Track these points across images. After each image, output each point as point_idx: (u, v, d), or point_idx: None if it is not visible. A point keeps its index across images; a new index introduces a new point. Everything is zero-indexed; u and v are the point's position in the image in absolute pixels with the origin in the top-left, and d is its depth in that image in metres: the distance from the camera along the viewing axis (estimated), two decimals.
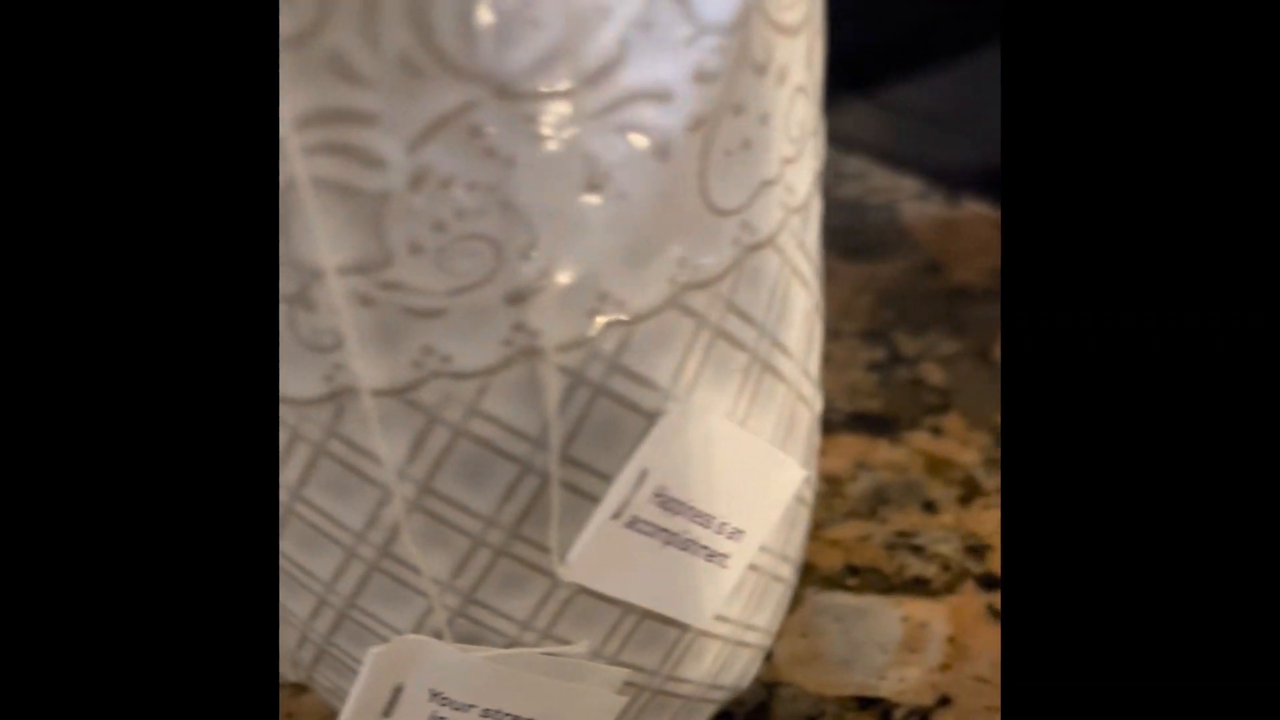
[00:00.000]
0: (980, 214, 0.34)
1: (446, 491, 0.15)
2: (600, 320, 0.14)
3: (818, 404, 0.19)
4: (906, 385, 0.28)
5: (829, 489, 0.25)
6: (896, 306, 0.30)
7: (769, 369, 0.16)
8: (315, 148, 0.12)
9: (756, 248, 0.15)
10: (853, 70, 0.43)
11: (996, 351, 0.28)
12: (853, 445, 0.26)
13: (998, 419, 0.26)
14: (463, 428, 0.14)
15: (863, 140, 0.38)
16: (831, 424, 0.27)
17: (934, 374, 0.28)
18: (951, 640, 0.21)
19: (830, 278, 0.32)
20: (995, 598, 0.22)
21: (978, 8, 0.47)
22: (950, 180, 0.35)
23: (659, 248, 0.14)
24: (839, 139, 0.39)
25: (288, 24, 0.11)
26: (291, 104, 0.11)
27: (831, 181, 0.37)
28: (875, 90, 0.41)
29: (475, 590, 0.16)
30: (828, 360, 0.29)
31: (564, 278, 0.13)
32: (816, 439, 0.19)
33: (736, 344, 0.15)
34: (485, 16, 0.11)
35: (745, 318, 0.15)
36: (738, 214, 0.14)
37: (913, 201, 0.35)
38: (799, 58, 0.14)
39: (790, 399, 0.17)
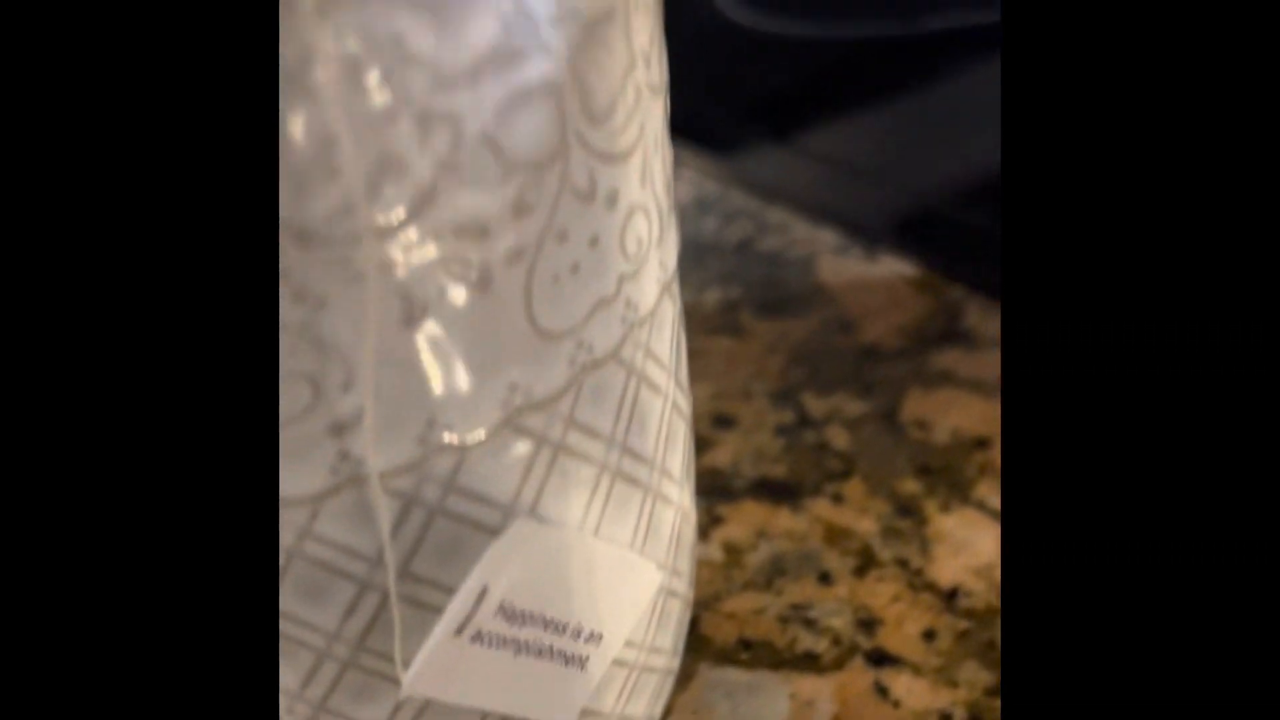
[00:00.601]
0: (896, 270, 0.34)
1: (287, 609, 0.15)
2: (431, 445, 0.14)
3: (685, 499, 0.19)
4: (811, 450, 0.28)
5: (729, 559, 0.25)
6: (808, 365, 0.31)
7: (622, 476, 0.16)
8: None
9: (596, 365, 0.15)
10: (774, 117, 0.43)
11: (903, 413, 0.28)
12: (755, 513, 0.26)
13: (898, 485, 0.26)
14: (296, 549, 0.14)
15: (784, 190, 0.38)
16: (736, 491, 0.27)
17: (839, 437, 0.28)
18: (837, 719, 0.21)
19: (744, 336, 0.32)
20: (883, 674, 0.22)
21: (901, 53, 0.48)
22: (868, 231, 0.35)
23: (488, 374, 0.14)
24: (761, 188, 0.39)
25: None
26: None
27: (753, 234, 0.37)
28: (797, 137, 0.42)
29: (326, 700, 0.16)
30: (736, 424, 0.29)
31: (387, 408, 0.13)
32: (689, 532, 0.19)
33: (582, 458, 0.15)
34: (280, 167, 0.11)
35: (590, 432, 0.15)
36: (571, 335, 0.14)
37: (830, 255, 0.35)
38: (633, 178, 0.15)
39: (649, 502, 0.17)
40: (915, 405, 0.29)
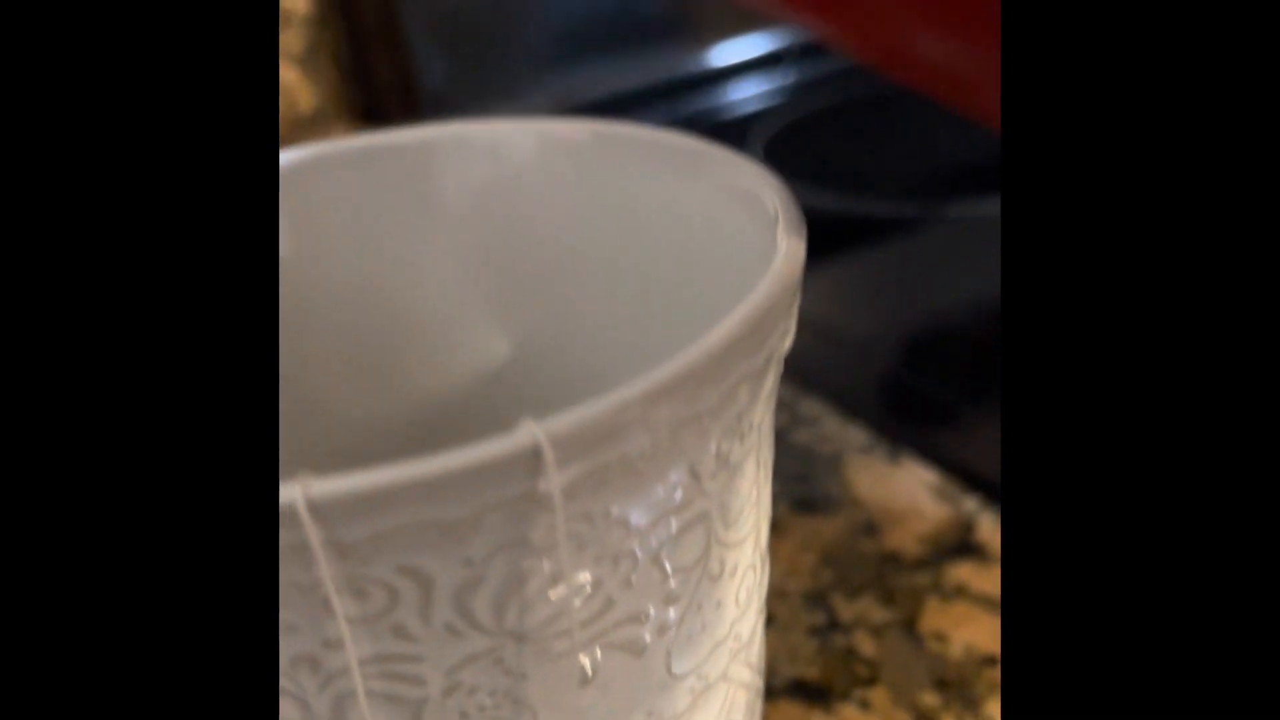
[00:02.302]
0: (916, 475, 0.38)
1: None
2: None
3: None
4: (841, 654, 0.32)
5: None
6: (836, 568, 0.34)
7: None
8: (372, 674, 0.16)
9: (708, 688, 0.19)
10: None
11: (922, 624, 0.32)
12: (791, 713, 0.30)
13: (919, 696, 0.30)
14: None
15: (803, 369, 0.43)
16: (774, 690, 0.31)
17: (865, 643, 0.32)
18: None
19: (781, 532, 0.36)
20: None
21: (917, 233, 0.52)
22: (888, 428, 0.40)
23: (632, 711, 0.18)
24: (792, 370, 0.43)
25: (363, 607, 0.15)
26: (356, 649, 0.15)
27: (788, 425, 0.41)
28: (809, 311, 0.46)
29: None
30: (773, 621, 0.33)
31: None
32: None
33: None
34: (514, 605, 0.15)
35: None
36: (695, 672, 0.18)
37: (857, 454, 0.39)
38: (748, 548, 0.19)
39: None
40: (933, 617, 0.33)
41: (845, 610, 0.33)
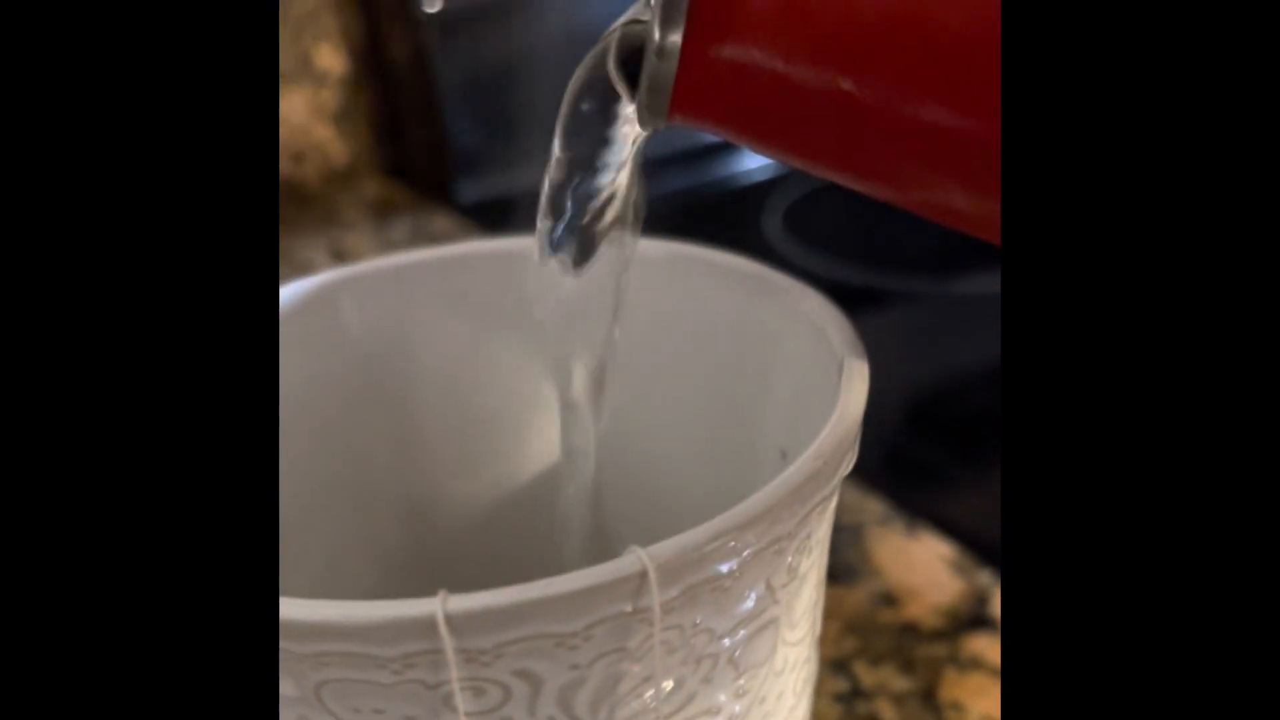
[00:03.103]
0: (933, 547, 0.40)
1: None
2: None
3: None
4: (864, 719, 0.34)
5: None
6: (859, 636, 0.36)
7: None
8: None
9: None
10: None
11: (940, 694, 0.34)
12: None
13: None
14: None
15: None
16: None
17: (887, 710, 0.34)
18: None
19: None
20: None
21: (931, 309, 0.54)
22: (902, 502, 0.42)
23: None
24: None
25: (480, 703, 0.17)
26: None
27: None
28: None
29: None
30: None
31: None
32: None
33: None
34: (608, 702, 0.17)
35: None
36: None
37: (876, 526, 0.41)
38: (804, 649, 0.21)
39: None
40: (951, 687, 0.35)
41: (868, 677, 0.35)
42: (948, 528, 0.42)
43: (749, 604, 0.18)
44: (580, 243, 0.23)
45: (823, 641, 0.36)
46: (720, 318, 0.24)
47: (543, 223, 0.24)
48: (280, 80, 0.69)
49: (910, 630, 0.37)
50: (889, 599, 0.38)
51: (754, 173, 0.71)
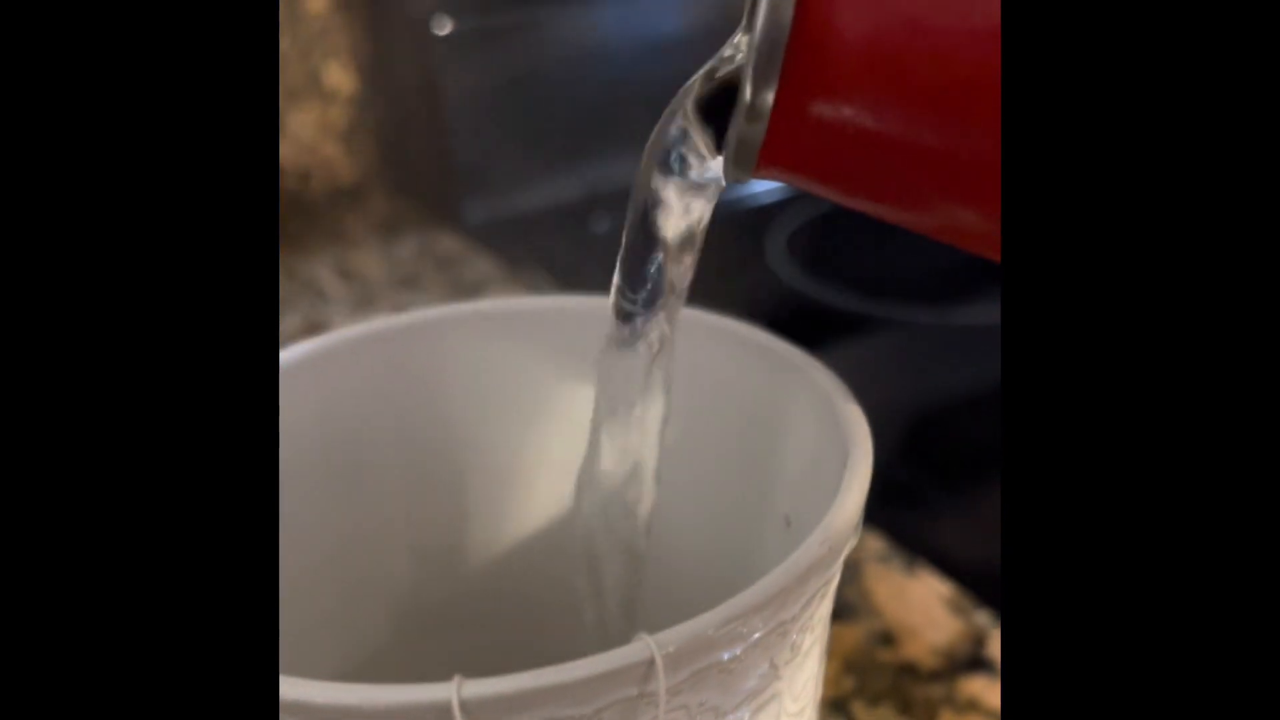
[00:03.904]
0: (932, 586, 0.40)
1: None
2: None
3: None
4: None
5: None
6: (856, 675, 0.37)
7: None
8: None
9: None
10: None
11: None
12: None
13: None
14: None
15: None
16: None
17: None
18: None
19: None
20: None
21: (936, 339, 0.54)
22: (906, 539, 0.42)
23: None
24: None
25: None
26: None
27: None
28: None
29: None
30: None
31: None
32: None
33: None
34: None
35: None
36: None
37: (875, 563, 0.42)
38: (806, 717, 0.21)
39: None
40: None
41: (865, 718, 0.36)
42: (945, 564, 0.42)
43: (752, 682, 0.18)
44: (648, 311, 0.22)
45: (824, 681, 0.36)
46: (731, 386, 0.25)
47: (623, 298, 0.22)
48: (288, 98, 0.70)
49: (908, 670, 0.37)
50: (887, 638, 0.39)
51: (759, 196, 0.72)
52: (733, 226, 0.70)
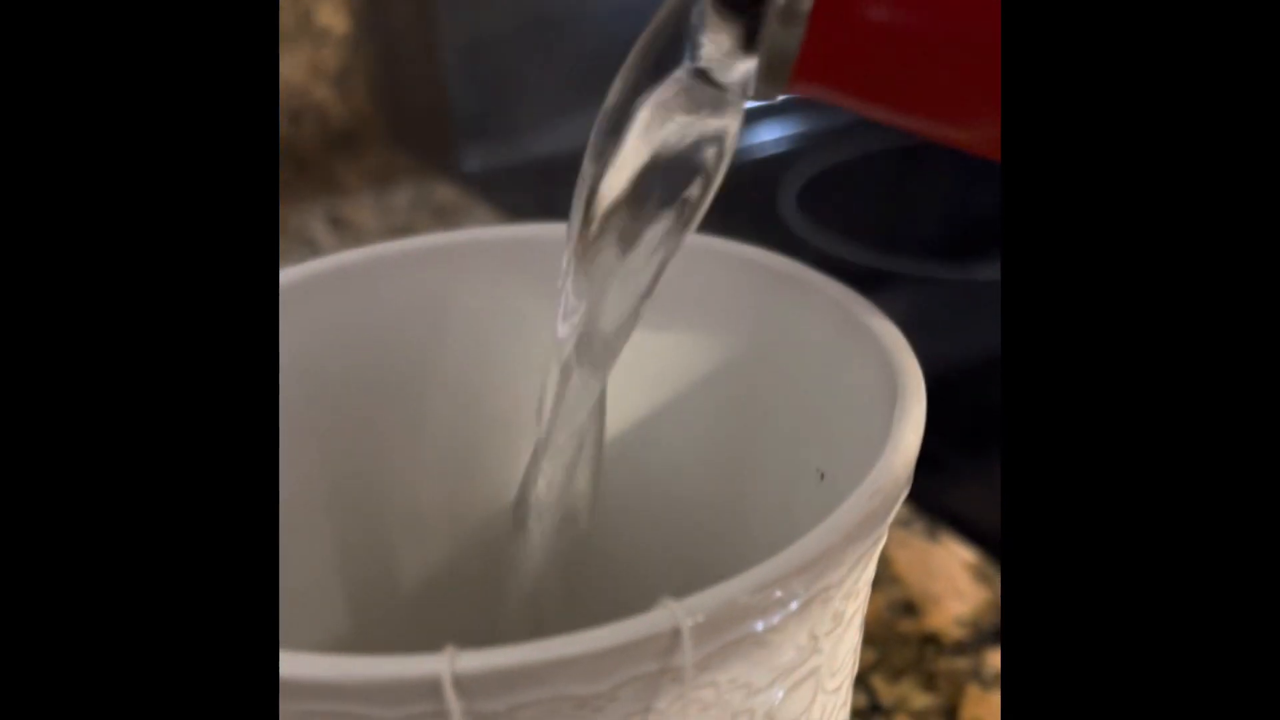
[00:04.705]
0: (956, 553, 0.38)
1: None
2: None
3: None
4: None
5: None
6: (877, 648, 0.35)
7: None
8: None
9: None
10: None
11: (963, 712, 0.33)
12: None
13: None
14: None
15: None
16: None
17: None
18: None
19: None
20: None
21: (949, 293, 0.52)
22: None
23: None
24: None
25: None
26: None
27: None
28: None
29: None
30: None
31: None
32: None
33: None
34: None
35: None
36: None
37: (897, 528, 0.39)
38: (843, 694, 0.19)
39: None
40: (974, 705, 0.33)
41: (887, 693, 0.34)
42: (969, 530, 0.40)
43: (789, 656, 0.16)
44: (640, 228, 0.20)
45: None
46: (749, 321, 0.22)
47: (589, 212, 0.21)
48: (279, 38, 0.67)
49: (931, 642, 0.35)
50: (909, 608, 0.37)
51: (767, 146, 0.69)
52: (741, 180, 0.68)
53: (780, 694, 0.16)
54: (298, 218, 0.64)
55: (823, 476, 0.21)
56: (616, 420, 0.23)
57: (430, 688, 0.14)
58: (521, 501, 0.23)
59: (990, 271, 0.54)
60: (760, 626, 0.15)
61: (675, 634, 0.14)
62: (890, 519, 0.17)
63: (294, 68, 0.69)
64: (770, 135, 0.70)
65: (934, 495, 0.41)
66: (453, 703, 0.14)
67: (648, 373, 0.23)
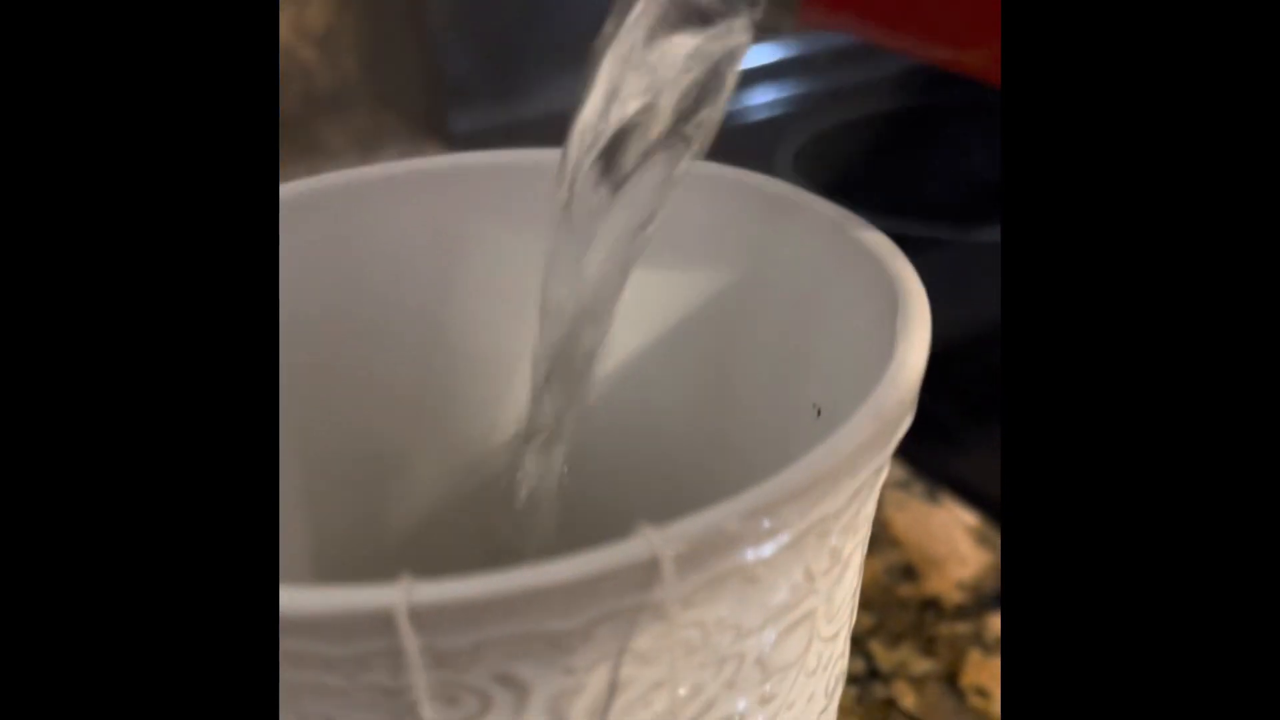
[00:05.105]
0: (956, 515, 0.37)
1: None
2: None
3: None
4: (880, 704, 0.31)
5: None
6: (876, 612, 0.33)
7: None
8: None
9: None
10: None
11: (964, 678, 0.31)
12: None
13: None
14: None
15: None
16: None
17: (906, 695, 0.31)
18: None
19: None
20: None
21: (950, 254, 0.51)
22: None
23: None
24: None
25: (452, 713, 0.14)
26: None
27: None
28: None
29: None
30: None
31: None
32: None
33: None
34: (612, 712, 0.14)
35: None
36: None
37: (895, 489, 0.38)
38: (840, 645, 0.17)
39: None
40: (975, 671, 0.32)
41: (885, 659, 0.32)
42: (970, 493, 0.39)
43: (782, 595, 0.15)
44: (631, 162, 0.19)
45: None
46: (738, 246, 0.21)
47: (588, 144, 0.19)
48: None
49: (931, 606, 0.34)
50: (908, 572, 0.35)
51: (763, 109, 0.67)
52: (738, 142, 0.66)
53: (772, 637, 0.15)
54: (282, 182, 0.62)
55: (819, 413, 0.19)
56: (602, 358, 0.21)
57: (383, 621, 0.12)
58: (519, 445, 0.22)
59: (990, 234, 0.53)
60: (750, 557, 0.13)
61: (654, 564, 0.13)
62: (892, 446, 0.15)
63: (279, 28, 0.67)
64: (765, 98, 0.68)
65: (937, 457, 0.40)
66: (409, 638, 0.13)
67: (633, 306, 0.22)
